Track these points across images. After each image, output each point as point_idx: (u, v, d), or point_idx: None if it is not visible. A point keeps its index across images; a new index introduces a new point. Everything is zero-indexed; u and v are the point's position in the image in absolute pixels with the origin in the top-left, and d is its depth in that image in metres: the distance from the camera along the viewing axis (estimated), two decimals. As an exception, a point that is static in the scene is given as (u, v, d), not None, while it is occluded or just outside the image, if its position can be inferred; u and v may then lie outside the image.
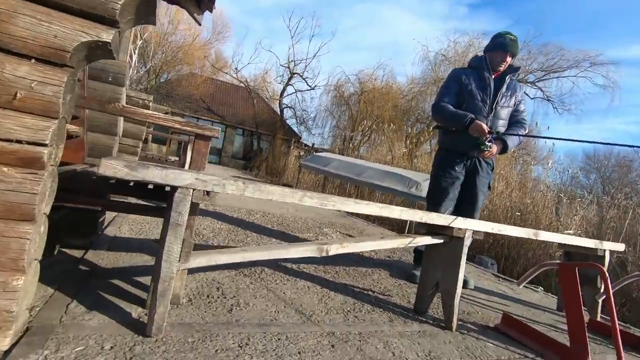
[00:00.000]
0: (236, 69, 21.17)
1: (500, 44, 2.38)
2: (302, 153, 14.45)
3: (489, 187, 2.52)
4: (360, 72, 18.52)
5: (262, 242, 2.76)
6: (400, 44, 50.30)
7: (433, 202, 2.47)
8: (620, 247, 2.39)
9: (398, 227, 8.15)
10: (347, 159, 8.79)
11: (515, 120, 2.50)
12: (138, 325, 1.16)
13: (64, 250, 1.74)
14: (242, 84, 21.55)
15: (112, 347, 1.03)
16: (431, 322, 1.79)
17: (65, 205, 1.38)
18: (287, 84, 19.97)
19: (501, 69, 2.41)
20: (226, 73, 22.56)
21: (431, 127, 14.57)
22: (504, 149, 2.37)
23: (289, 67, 19.47)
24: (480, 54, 2.55)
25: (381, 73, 20.88)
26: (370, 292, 2.08)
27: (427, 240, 1.69)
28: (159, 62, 19.76)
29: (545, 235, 2.00)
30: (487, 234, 1.85)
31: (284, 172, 14.75)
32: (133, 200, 1.64)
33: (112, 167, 1.03)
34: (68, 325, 1.10)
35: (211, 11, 4.38)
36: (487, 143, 2.31)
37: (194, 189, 1.15)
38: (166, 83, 20.88)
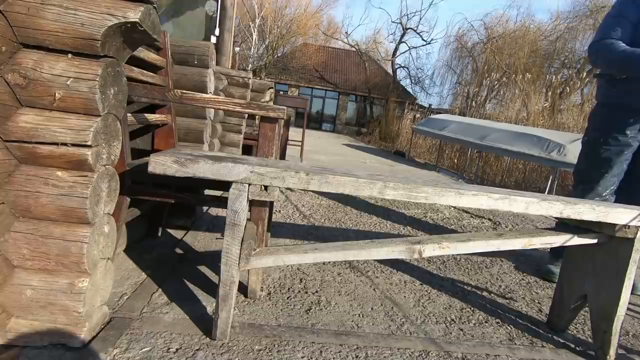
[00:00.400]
0: (346, 32, 20.75)
1: None
2: (417, 116, 13.50)
3: None
4: (486, 16, 16.03)
5: (360, 224, 2.55)
6: (542, -28, 41.04)
7: (586, 178, 1.82)
8: None
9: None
10: (467, 120, 7.76)
11: None
12: (209, 324, 1.11)
13: (168, 230, 1.87)
14: (353, 49, 21.07)
15: (177, 350, 0.99)
16: (572, 346, 1.32)
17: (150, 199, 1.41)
18: (400, 42, 18.68)
19: None
20: (337, 39, 22.29)
21: (583, 74, 11.68)
22: None
23: (401, 23, 18.06)
24: None
25: (514, 13, 17.43)
26: (485, 293, 1.69)
27: (570, 239, 1.21)
28: (274, 37, 20.71)
29: None
30: None
31: (397, 137, 14.10)
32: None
33: (161, 164, 0.95)
34: (146, 318, 1.12)
35: None
36: None
37: (249, 184, 1.00)
38: (283, 57, 21.91)
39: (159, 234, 1.77)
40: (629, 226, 1.15)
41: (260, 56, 22.66)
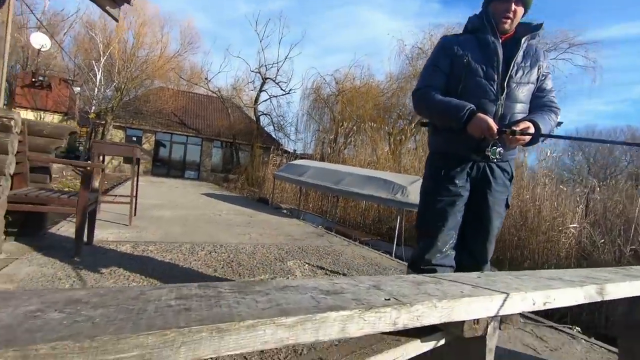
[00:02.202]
0: (206, 78, 20.20)
1: None
2: (283, 160, 13.59)
3: (507, 206, 1.66)
4: (336, 72, 17.79)
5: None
6: (377, 42, 50.06)
7: (426, 232, 1.65)
8: None
9: (390, 235, 7.34)
10: (323, 166, 7.94)
11: (540, 104, 1.62)
12: None
13: None
14: (214, 94, 20.60)
15: None
16: None
17: None
18: (261, 90, 19.12)
19: (507, 26, 1.57)
20: (196, 84, 21.53)
21: (413, 124, 13.86)
22: (535, 137, 1.46)
23: (259, 72, 18.62)
24: (479, 11, 1.69)
25: (358, 72, 20.05)
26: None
27: (413, 348, 0.84)
28: (124, 79, 18.56)
29: (614, 290, 1.17)
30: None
31: (263, 182, 13.85)
32: None
33: None
34: None
35: (129, 3, 3.37)
36: (496, 149, 1.49)
37: None
38: (134, 99, 19.75)
39: None
40: (477, 320, 0.84)
41: (107, 98, 19.93)
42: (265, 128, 20.35)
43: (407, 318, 0.72)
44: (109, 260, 2.59)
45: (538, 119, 1.49)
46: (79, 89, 21.02)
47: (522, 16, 1.59)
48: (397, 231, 5.36)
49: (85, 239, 2.82)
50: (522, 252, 6.07)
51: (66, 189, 4.41)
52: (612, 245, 5.83)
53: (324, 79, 17.80)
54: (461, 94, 1.55)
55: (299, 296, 0.69)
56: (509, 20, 1.56)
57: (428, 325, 0.86)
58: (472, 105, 1.48)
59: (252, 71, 19.20)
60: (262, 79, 18.56)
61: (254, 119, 19.87)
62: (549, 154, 6.43)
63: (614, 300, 1.19)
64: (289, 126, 19.96)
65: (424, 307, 0.74)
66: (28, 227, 2.78)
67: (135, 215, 4.22)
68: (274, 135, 20.29)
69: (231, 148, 20.10)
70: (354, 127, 15.26)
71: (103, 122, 17.44)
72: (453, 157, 1.61)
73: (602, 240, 5.94)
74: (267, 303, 0.63)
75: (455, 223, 1.61)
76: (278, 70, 18.51)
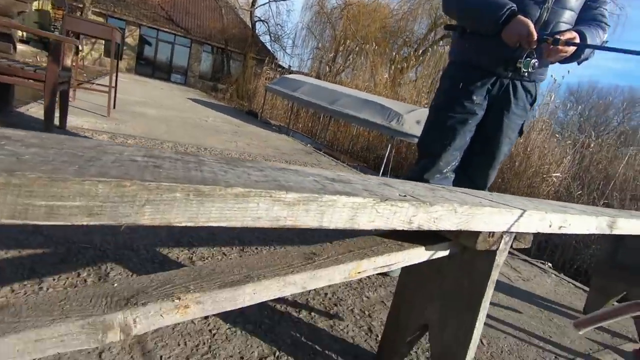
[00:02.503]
0: (199, -31, 17.93)
1: None
2: (277, 76, 12.86)
3: (521, 132, 1.51)
4: (345, -17, 16.02)
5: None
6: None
7: (428, 152, 1.49)
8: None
9: (376, 164, 7.31)
10: (320, 83, 7.52)
11: (590, 16, 1.38)
12: None
13: None
14: (207, -11, 18.53)
15: None
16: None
17: None
18: (260, -8, 17.25)
19: None
20: (187, -26, 19.17)
21: (420, 52, 13.04)
22: (579, 48, 1.25)
23: (261, -30, 16.59)
24: None
25: (369, -15, 18.14)
26: (312, 301, 1.20)
27: (418, 255, 0.76)
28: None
29: (624, 225, 1.11)
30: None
31: (254, 96, 13.27)
32: None
33: None
34: None
35: None
36: (531, 60, 1.29)
37: None
38: (117, -16, 17.58)
39: None
40: (492, 233, 0.75)
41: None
42: (261, 37, 18.88)
43: (425, 218, 0.61)
44: (84, 147, 2.42)
45: (586, 31, 1.27)
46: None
47: None
48: (385, 159, 5.30)
49: (57, 123, 2.60)
50: (503, 192, 6.21)
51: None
52: (588, 197, 6.01)
53: (330, -12, 16.10)
54: None
55: (300, 177, 0.56)
56: None
57: (432, 233, 0.78)
58: (514, 5, 1.25)
59: (252, -33, 17.08)
60: (262, -22, 16.62)
61: (250, 25, 18.29)
62: (552, 98, 6.21)
63: (596, 242, 1.13)
64: (286, 38, 18.56)
65: (444, 210, 0.63)
66: (-9, 100, 2.52)
67: (114, 108, 3.94)
68: (269, 47, 18.96)
69: (222, 55, 18.78)
70: (356, 48, 14.29)
71: (81, 5, 15.66)
72: (476, 68, 1.41)
73: (579, 192, 6.11)
74: (262, 177, 0.50)
75: (463, 144, 1.47)
76: (281, -29, 16.53)
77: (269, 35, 18.49)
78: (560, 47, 1.20)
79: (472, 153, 1.51)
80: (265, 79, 12.76)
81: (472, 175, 1.54)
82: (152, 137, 3.26)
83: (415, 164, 1.58)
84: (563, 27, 1.33)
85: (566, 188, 6.16)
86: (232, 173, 0.48)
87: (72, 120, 2.93)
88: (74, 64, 3.48)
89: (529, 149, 6.16)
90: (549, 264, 2.37)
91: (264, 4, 17.96)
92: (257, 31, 18.27)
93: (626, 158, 6.09)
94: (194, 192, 0.39)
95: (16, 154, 0.36)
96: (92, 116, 3.46)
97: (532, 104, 1.50)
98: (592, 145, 7.11)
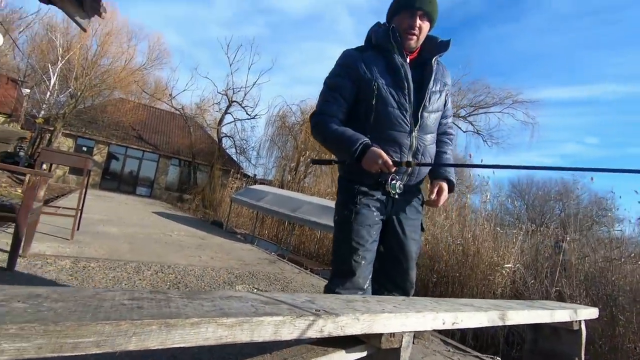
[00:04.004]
0: (171, 95, 19.89)
1: (404, 0, 1.46)
2: (243, 185, 13.45)
3: (422, 229, 1.59)
4: (301, 102, 18.29)
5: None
6: (344, 79, 52.12)
7: (343, 269, 1.45)
8: (593, 313, 1.86)
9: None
10: (282, 192, 8.04)
11: (441, 132, 1.63)
12: None
13: None
14: (177, 112, 20.25)
15: None
16: None
17: None
18: (226, 112, 19.13)
19: (412, 43, 1.46)
20: (159, 99, 21.10)
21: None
22: (450, 188, 1.53)
23: (226, 95, 18.70)
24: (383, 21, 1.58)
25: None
26: None
27: (338, 358, 0.96)
28: (81, 85, 17.73)
29: (514, 317, 1.38)
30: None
31: (219, 205, 13.59)
32: None
33: None
34: None
35: (100, 15, 3.36)
36: (395, 183, 1.43)
37: None
38: (90, 108, 18.86)
39: None
40: (393, 334, 0.98)
41: (60, 104, 18.85)
42: (227, 150, 20.18)
43: (333, 327, 0.84)
44: (45, 275, 2.47)
45: (451, 174, 1.56)
46: (28, 90, 19.74)
47: (428, 31, 1.51)
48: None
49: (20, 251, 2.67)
50: (462, 288, 6.43)
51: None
52: (541, 285, 6.36)
53: (289, 107, 18.22)
54: (374, 124, 1.44)
55: (240, 304, 0.79)
56: (415, 37, 1.45)
57: (353, 338, 1.00)
58: (366, 139, 1.37)
59: (219, 93, 19.26)
60: (229, 101, 18.65)
61: (216, 140, 19.69)
62: (488, 197, 7.00)
63: (520, 328, 1.38)
64: (251, 150, 19.95)
65: (348, 319, 0.87)
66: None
67: (78, 229, 4.02)
68: (235, 158, 20.15)
69: (189, 167, 19.61)
70: (317, 157, 15.57)
71: (52, 128, 16.38)
72: (362, 184, 1.49)
73: (532, 281, 6.46)
74: (211, 307, 0.73)
75: (373, 256, 1.48)
76: (245, 95, 18.73)
77: (235, 148, 19.85)
78: (434, 197, 1.49)
79: (387, 262, 1.53)
80: (231, 188, 13.29)
81: (396, 282, 1.55)
82: (116, 257, 3.33)
83: (330, 283, 1.50)
84: (430, 149, 1.52)
85: (521, 278, 6.52)
86: (191, 306, 0.72)
87: (35, 246, 2.99)
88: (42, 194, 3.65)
89: (477, 243, 6.66)
90: (498, 358, 2.51)
91: (229, 123, 19.70)
92: (223, 145, 19.59)
93: (563, 244, 6.70)
94: (164, 324, 0.62)
95: (52, 309, 0.58)
96: (55, 240, 3.52)
97: (422, 203, 1.62)
98: (534, 234, 7.77)
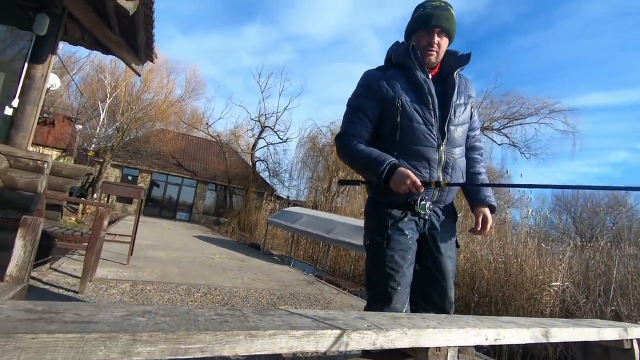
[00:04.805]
0: (207, 123, 20.98)
1: (421, 19, 1.46)
2: (277, 207, 13.79)
3: (457, 245, 1.56)
4: (331, 124, 18.64)
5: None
6: (371, 98, 52.86)
7: (380, 296, 1.42)
8: (648, 331, 1.81)
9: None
10: (317, 214, 8.19)
11: (470, 147, 1.60)
12: None
13: None
14: (213, 139, 21.27)
15: None
16: None
17: None
18: (259, 137, 19.85)
19: (432, 59, 1.47)
20: (197, 128, 22.29)
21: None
22: (491, 211, 1.51)
23: (259, 121, 19.47)
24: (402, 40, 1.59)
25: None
26: None
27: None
28: (127, 119, 19.21)
29: (557, 334, 1.41)
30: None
31: (255, 227, 13.94)
32: None
33: None
34: None
35: (152, 61, 3.76)
36: (425, 204, 1.40)
37: None
38: (135, 140, 20.27)
39: None
40: (439, 348, 1.07)
41: (108, 137, 20.45)
42: (261, 174, 20.81)
43: (384, 340, 0.95)
44: (110, 297, 2.73)
45: (491, 198, 1.55)
46: (80, 126, 21.63)
47: (448, 46, 1.51)
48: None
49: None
50: (506, 308, 6.17)
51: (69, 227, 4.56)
52: (594, 304, 5.97)
53: (320, 129, 18.63)
54: (400, 141, 1.43)
55: (303, 319, 0.92)
56: (435, 53, 1.46)
57: (401, 352, 1.09)
58: (393, 159, 1.35)
59: (252, 119, 20.09)
60: (261, 127, 19.37)
61: (251, 164, 20.38)
62: (530, 212, 6.77)
63: (572, 350, 1.40)
64: (284, 172, 20.46)
65: (397, 333, 0.97)
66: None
67: (132, 254, 4.35)
68: (268, 181, 20.72)
69: (225, 191, 20.35)
70: (347, 177, 15.69)
71: (101, 160, 17.73)
72: (393, 205, 1.45)
73: (584, 300, 6.08)
74: (281, 322, 0.87)
75: (409, 279, 1.44)
76: (277, 120, 19.40)
77: (268, 171, 20.43)
78: (480, 229, 1.51)
79: (424, 283, 1.50)
80: (265, 210, 13.65)
81: (435, 303, 1.51)
82: (167, 280, 3.58)
83: (370, 306, 1.47)
84: (459, 162, 1.49)
85: (572, 297, 6.15)
86: (264, 321, 0.86)
87: (97, 271, 3.30)
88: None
89: (519, 260, 6.40)
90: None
91: (262, 147, 20.39)
92: (257, 169, 20.24)
93: (616, 260, 6.28)
94: (249, 335, 0.76)
95: (165, 321, 0.74)
96: (114, 265, 3.84)
97: (455, 220, 1.60)
98: (584, 249, 7.32)
